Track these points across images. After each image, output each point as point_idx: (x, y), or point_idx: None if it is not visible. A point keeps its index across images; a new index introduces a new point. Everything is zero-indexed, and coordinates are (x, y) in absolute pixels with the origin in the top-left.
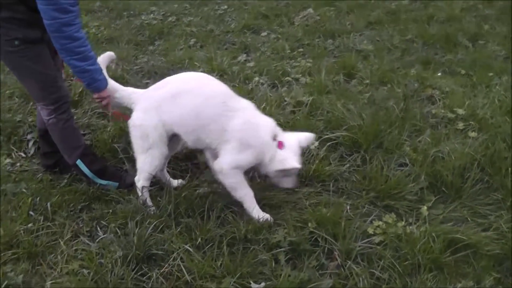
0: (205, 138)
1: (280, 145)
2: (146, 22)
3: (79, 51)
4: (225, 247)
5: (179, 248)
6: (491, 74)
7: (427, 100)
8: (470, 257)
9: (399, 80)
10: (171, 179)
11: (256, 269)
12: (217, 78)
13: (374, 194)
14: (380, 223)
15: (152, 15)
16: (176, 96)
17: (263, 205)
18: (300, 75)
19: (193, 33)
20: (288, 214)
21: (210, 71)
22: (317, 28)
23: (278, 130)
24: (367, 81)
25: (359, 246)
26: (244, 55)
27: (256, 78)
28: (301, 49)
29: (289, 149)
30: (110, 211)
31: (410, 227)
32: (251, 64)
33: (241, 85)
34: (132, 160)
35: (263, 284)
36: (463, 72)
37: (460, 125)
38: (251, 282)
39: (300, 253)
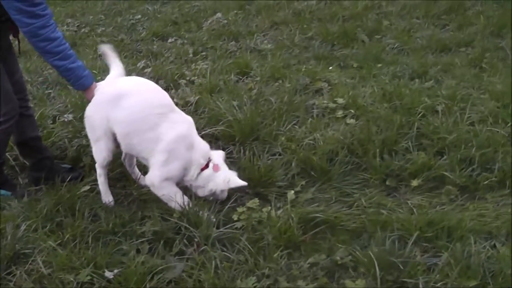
0: (138, 145)
1: (216, 168)
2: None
3: (58, 51)
4: (90, 240)
5: (45, 245)
6: (380, 65)
7: (316, 93)
8: (327, 233)
9: (291, 75)
10: (142, 176)
11: (115, 259)
12: None
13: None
14: (244, 209)
15: (66, 26)
16: (121, 97)
17: (139, 200)
18: (196, 77)
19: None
20: (156, 207)
21: None
22: (223, 31)
23: (211, 153)
24: (258, 78)
25: (220, 232)
26: (143, 61)
27: None
28: (204, 53)
29: (224, 170)
30: None
31: (277, 211)
32: (149, 69)
33: None
34: (23, 167)
35: (116, 271)
36: (355, 65)
37: (340, 113)
38: (106, 270)
39: (163, 242)
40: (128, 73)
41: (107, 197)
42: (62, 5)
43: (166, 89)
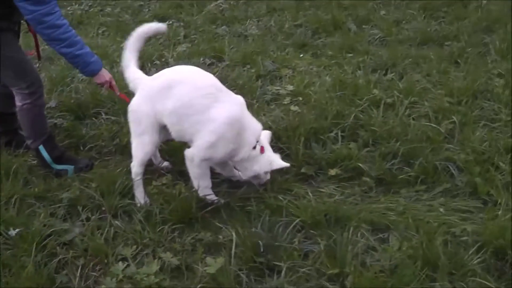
0: (190, 127)
1: (262, 149)
2: (71, 12)
3: (65, 38)
4: (13, 201)
5: None
6: (351, 55)
7: (279, 79)
8: (222, 213)
9: (261, 61)
10: (162, 160)
11: (28, 220)
12: None
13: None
14: (159, 183)
15: (78, 6)
16: (169, 87)
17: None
18: (172, 59)
19: (107, 23)
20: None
21: None
22: (220, 16)
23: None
24: (227, 63)
25: (129, 202)
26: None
27: None
28: (195, 36)
29: (268, 151)
30: None
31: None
32: None
33: (107, 68)
34: None
35: (17, 230)
36: (330, 53)
37: (287, 99)
38: (11, 229)
39: (76, 208)
40: (115, 51)
41: (143, 198)
42: None
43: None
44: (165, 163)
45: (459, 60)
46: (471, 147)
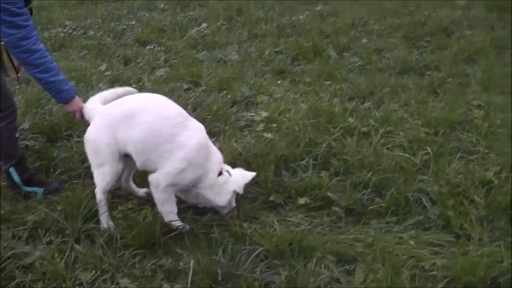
0: (158, 156)
1: (229, 173)
2: (54, 34)
3: (40, 63)
4: None
5: None
6: (328, 82)
7: (254, 106)
8: (186, 240)
9: (239, 87)
10: (136, 188)
11: None
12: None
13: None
14: (124, 208)
15: (62, 28)
16: (132, 115)
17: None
18: (149, 83)
19: (88, 46)
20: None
21: (70, 78)
22: (201, 41)
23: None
24: (204, 88)
25: (93, 226)
26: (105, 64)
27: (100, 85)
28: (175, 60)
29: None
30: None
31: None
32: (109, 73)
33: (82, 90)
34: None
35: None
36: (308, 80)
37: (260, 126)
38: None
39: (39, 231)
40: (93, 74)
41: (107, 222)
42: (71, 8)
43: None
44: (144, 190)
45: (438, 90)
46: (445, 179)
